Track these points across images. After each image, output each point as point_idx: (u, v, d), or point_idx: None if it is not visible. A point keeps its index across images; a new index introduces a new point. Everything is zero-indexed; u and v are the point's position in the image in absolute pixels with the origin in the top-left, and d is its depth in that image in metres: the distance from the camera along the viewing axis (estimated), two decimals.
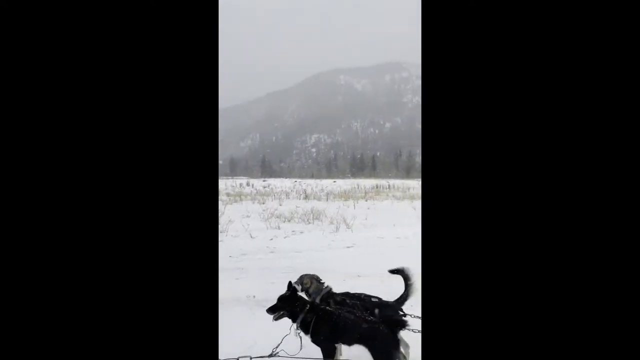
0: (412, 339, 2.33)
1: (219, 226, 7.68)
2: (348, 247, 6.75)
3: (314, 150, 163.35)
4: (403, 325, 2.08)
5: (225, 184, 25.91)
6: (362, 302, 2.51)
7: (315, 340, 2.20)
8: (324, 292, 2.65)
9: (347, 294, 2.62)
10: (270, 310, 2.26)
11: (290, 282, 2.37)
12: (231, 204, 13.81)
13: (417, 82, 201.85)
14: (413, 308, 2.50)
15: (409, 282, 2.50)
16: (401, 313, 2.44)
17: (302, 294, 2.71)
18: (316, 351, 2.22)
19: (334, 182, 30.04)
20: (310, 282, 2.73)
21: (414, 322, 2.19)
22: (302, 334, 2.21)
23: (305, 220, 9.79)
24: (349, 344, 2.16)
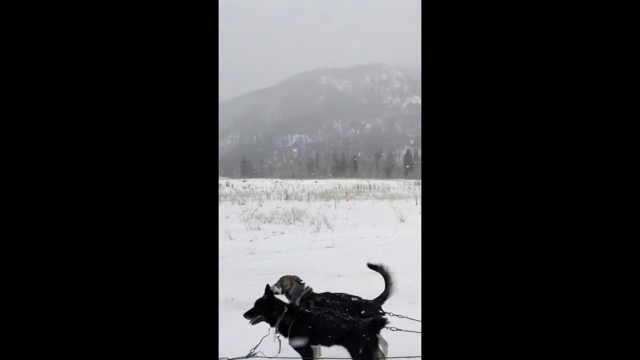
0: (390, 336, 2.36)
1: None
2: (329, 247, 6.77)
3: (295, 150, 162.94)
4: (382, 323, 2.09)
5: None
6: (342, 302, 2.51)
7: (293, 343, 2.19)
8: (304, 293, 2.63)
9: (327, 295, 2.61)
10: (248, 314, 2.23)
11: (267, 286, 2.34)
12: None
13: (397, 84, 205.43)
14: (392, 306, 2.53)
15: (389, 282, 2.52)
16: (380, 312, 2.46)
17: (282, 296, 2.68)
18: (295, 353, 2.20)
19: (316, 182, 30.07)
20: (290, 283, 2.71)
21: (393, 320, 2.22)
22: (281, 337, 2.19)
23: (286, 220, 9.74)
24: (328, 344, 2.16)
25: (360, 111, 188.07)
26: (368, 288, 3.03)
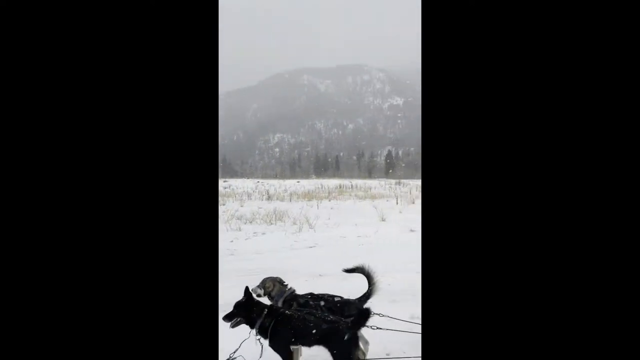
0: (370, 335, 2.37)
1: None
2: (310, 247, 6.75)
3: (277, 150, 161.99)
4: (366, 318, 2.09)
5: None
6: (325, 302, 2.49)
7: (273, 345, 2.15)
8: (287, 294, 2.59)
9: (310, 296, 2.58)
10: (227, 317, 2.18)
11: (247, 287, 2.30)
12: None
13: (378, 86, 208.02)
14: (373, 305, 2.54)
15: (372, 282, 2.52)
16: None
17: (265, 298, 2.64)
18: (276, 355, 2.17)
19: (298, 182, 29.97)
20: (273, 285, 2.66)
21: (374, 318, 2.22)
22: (261, 339, 2.16)
23: (268, 221, 9.65)
24: (309, 345, 2.14)
25: (342, 111, 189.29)
26: (350, 287, 3.04)
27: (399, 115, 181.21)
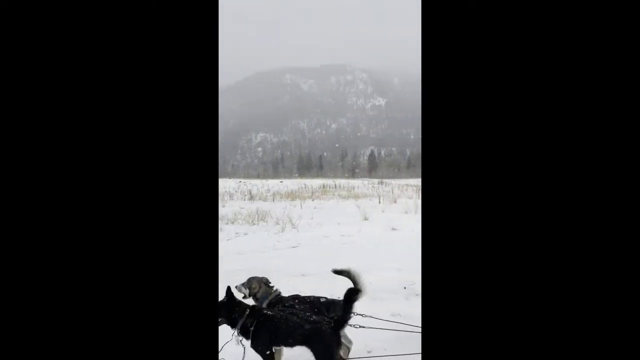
0: (353, 334, 2.38)
1: None
2: (293, 247, 6.72)
3: (259, 149, 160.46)
4: (346, 320, 2.10)
5: None
6: (310, 304, 2.47)
7: (255, 346, 2.13)
8: (272, 296, 2.55)
9: (296, 298, 2.54)
10: None
11: (228, 288, 2.26)
12: None
13: (361, 86, 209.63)
14: (355, 304, 2.55)
15: (357, 286, 2.44)
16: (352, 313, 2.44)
17: (250, 299, 2.60)
18: (257, 356, 2.15)
19: (281, 182, 29.79)
20: (259, 285, 2.61)
21: (356, 318, 2.23)
22: (243, 340, 2.13)
23: (250, 221, 9.55)
24: (292, 345, 2.13)
25: (325, 111, 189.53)
26: (333, 286, 3.04)
27: (382, 115, 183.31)
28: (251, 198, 16.29)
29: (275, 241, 7.23)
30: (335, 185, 25.02)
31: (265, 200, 15.80)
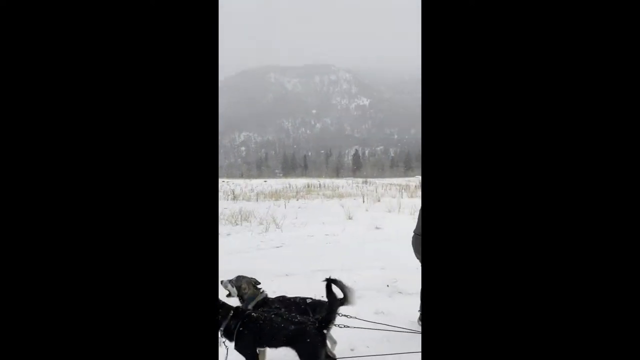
0: (338, 334, 2.38)
1: None
2: (277, 247, 6.68)
3: (243, 149, 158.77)
4: (330, 321, 2.09)
5: None
6: (297, 305, 2.45)
7: (238, 348, 2.10)
8: (258, 298, 2.51)
9: (282, 299, 2.52)
10: None
11: None
12: None
13: (345, 86, 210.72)
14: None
15: (347, 301, 2.30)
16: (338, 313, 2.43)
17: (235, 298, 2.55)
18: (241, 358, 2.12)
19: (265, 181, 29.54)
20: (248, 287, 2.55)
21: (342, 318, 2.24)
22: (227, 342, 2.09)
23: (233, 221, 9.42)
24: (276, 346, 2.11)
25: (310, 110, 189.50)
26: (316, 286, 3.04)
27: (366, 115, 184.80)
28: (234, 198, 16.07)
29: (258, 241, 7.16)
30: (319, 184, 25.04)
31: (248, 200, 15.63)
